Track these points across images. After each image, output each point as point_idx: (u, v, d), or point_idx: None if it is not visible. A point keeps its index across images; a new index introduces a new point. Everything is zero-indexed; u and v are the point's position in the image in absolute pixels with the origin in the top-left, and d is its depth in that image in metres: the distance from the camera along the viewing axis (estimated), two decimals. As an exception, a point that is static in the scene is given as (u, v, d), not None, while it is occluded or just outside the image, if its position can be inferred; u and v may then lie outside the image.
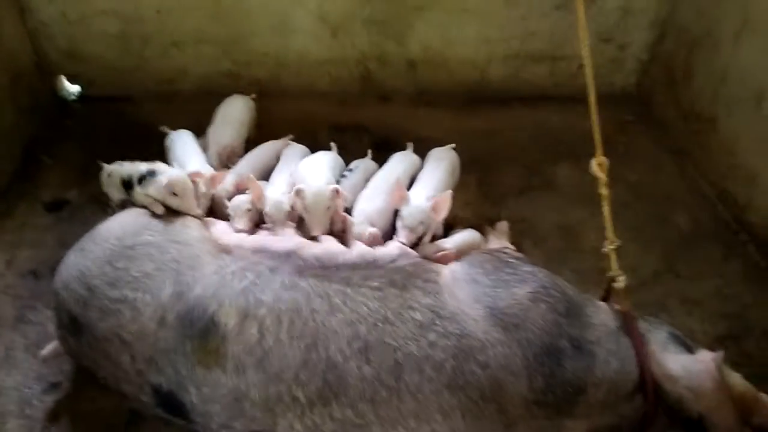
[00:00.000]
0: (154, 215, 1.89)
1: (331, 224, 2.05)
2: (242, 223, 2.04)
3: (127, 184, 2.05)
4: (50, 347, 1.88)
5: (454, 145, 2.55)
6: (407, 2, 3.00)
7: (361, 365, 1.52)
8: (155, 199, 1.94)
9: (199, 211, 2.00)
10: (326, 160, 2.39)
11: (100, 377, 1.72)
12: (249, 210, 2.06)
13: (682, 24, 3.03)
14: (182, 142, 2.44)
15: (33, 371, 1.97)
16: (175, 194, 1.92)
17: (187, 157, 2.34)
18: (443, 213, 2.09)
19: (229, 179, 2.22)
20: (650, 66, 3.31)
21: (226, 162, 2.46)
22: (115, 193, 2.14)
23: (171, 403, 1.60)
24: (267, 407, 1.50)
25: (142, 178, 1.98)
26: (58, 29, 2.97)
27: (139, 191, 1.97)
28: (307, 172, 2.23)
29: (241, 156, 2.49)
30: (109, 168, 2.16)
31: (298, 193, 2.01)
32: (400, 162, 2.47)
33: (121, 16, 2.94)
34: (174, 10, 2.94)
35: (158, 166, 2.07)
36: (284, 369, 1.51)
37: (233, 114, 2.65)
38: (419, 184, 2.31)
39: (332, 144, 2.58)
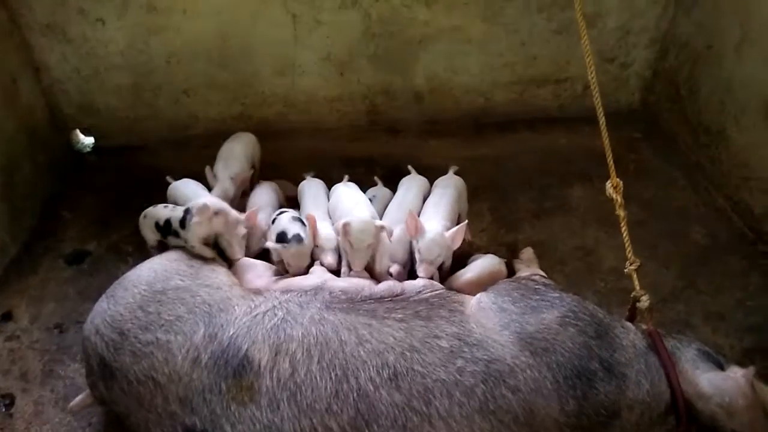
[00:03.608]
0: (184, 261, 1.95)
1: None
2: (331, 257, 2.14)
3: (163, 229, 2.15)
4: (78, 399, 1.89)
5: (456, 168, 2.61)
6: (410, 36, 3.06)
7: (392, 392, 1.54)
8: (201, 239, 2.04)
9: (242, 217, 2.15)
10: (362, 195, 2.44)
11: (132, 423, 1.72)
12: (335, 248, 2.17)
13: (683, 39, 3.07)
14: (192, 186, 2.51)
15: (63, 425, 1.98)
16: (216, 214, 2.03)
17: (202, 194, 2.41)
18: (459, 242, 2.15)
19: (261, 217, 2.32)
20: (654, 82, 3.34)
21: (239, 190, 2.56)
22: (150, 235, 2.23)
23: None
24: None
25: (183, 221, 2.06)
26: (72, 85, 3.04)
27: (186, 236, 2.05)
28: (350, 207, 2.28)
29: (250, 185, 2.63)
30: (146, 210, 2.26)
31: (345, 227, 2.06)
32: (409, 188, 2.50)
33: (132, 68, 3.01)
34: (183, 59, 3.01)
35: (189, 204, 2.15)
36: (317, 400, 1.53)
37: (238, 149, 2.69)
38: (430, 212, 2.34)
39: (345, 177, 2.62)
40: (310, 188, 2.55)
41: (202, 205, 2.04)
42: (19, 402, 2.05)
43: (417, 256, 2.10)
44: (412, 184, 2.53)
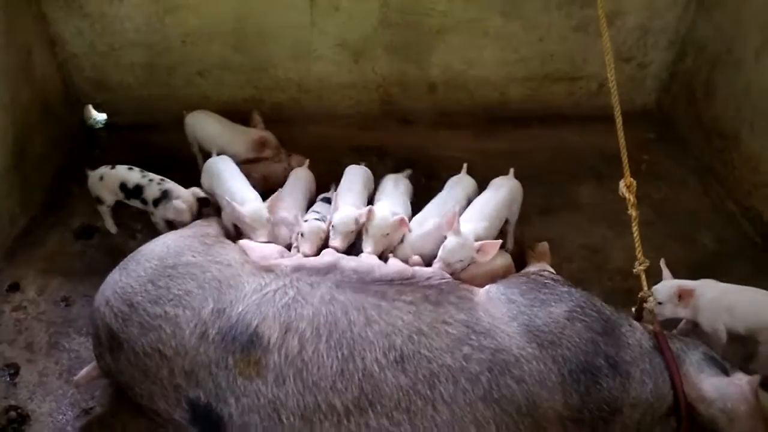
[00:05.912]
0: (197, 238, 1.97)
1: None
2: (342, 243, 2.12)
3: (130, 192, 2.40)
4: (83, 372, 1.91)
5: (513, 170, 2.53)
6: (427, 26, 3.04)
7: (397, 375, 1.55)
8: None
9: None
10: (401, 191, 2.46)
11: (136, 394, 1.74)
12: (352, 231, 2.16)
13: (702, 42, 3.04)
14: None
15: (66, 397, 2.00)
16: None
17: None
18: (488, 258, 2.06)
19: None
20: (671, 84, 3.31)
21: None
22: (108, 196, 2.46)
23: (208, 417, 1.61)
24: (305, 416, 1.53)
25: (157, 201, 2.36)
26: (87, 60, 3.05)
27: (158, 212, 2.36)
28: (383, 197, 2.35)
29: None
30: (102, 171, 2.43)
31: (370, 212, 2.11)
32: (453, 188, 2.46)
33: (148, 46, 3.01)
34: (198, 40, 3.01)
35: (167, 185, 2.39)
36: (322, 378, 1.55)
37: (221, 122, 2.84)
38: (471, 211, 2.29)
39: (407, 171, 2.67)
40: (348, 174, 2.54)
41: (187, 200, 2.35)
42: (24, 372, 2.07)
43: (440, 252, 2.05)
44: (456, 183, 2.48)
